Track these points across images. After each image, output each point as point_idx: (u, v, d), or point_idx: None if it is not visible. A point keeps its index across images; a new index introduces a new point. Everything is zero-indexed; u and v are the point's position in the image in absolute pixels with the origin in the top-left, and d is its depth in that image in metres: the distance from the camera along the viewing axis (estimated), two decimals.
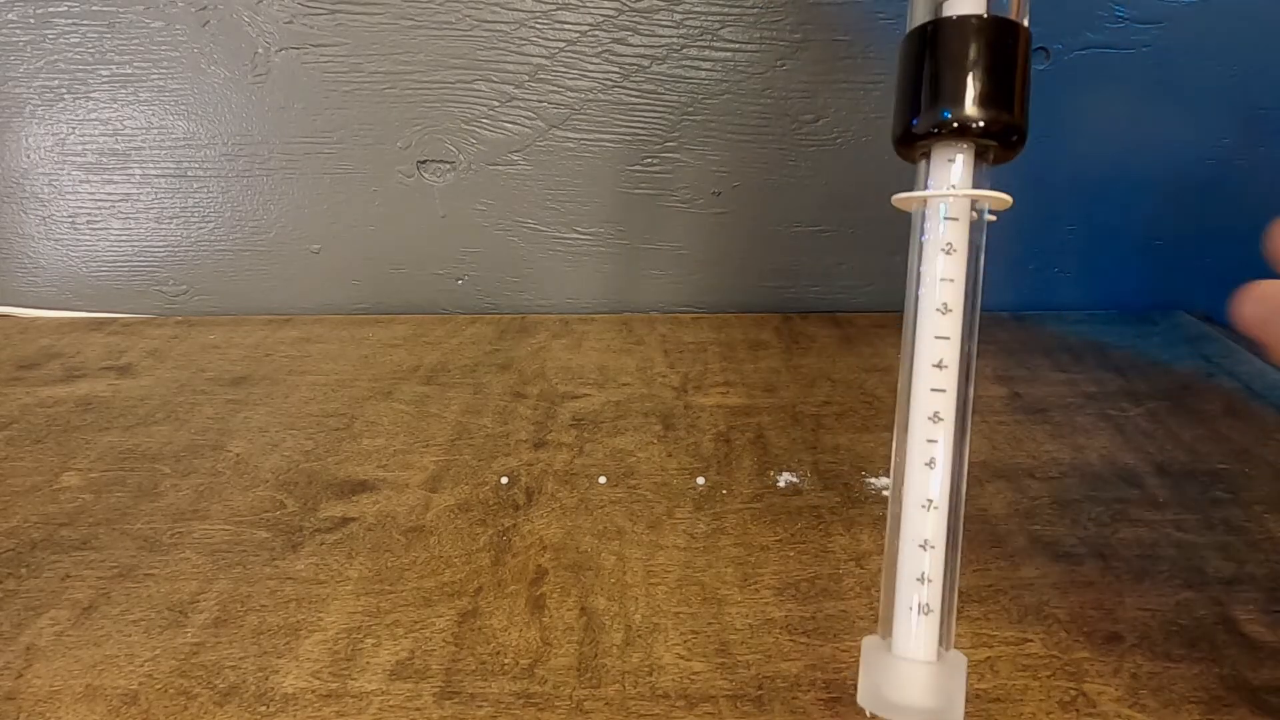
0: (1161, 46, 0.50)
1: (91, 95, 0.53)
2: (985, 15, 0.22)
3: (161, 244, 0.57)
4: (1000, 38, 0.22)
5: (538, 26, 0.51)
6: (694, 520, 0.35)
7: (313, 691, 0.26)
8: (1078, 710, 0.25)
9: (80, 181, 0.56)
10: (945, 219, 0.23)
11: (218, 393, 0.46)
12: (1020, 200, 0.63)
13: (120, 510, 0.36)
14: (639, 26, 0.51)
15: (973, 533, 0.34)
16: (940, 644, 0.22)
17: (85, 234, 0.57)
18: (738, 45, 0.51)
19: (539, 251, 0.56)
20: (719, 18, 0.50)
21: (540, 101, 0.52)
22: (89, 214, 0.57)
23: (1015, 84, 0.22)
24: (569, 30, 0.51)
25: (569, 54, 0.51)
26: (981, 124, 0.22)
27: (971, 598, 0.30)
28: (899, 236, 0.62)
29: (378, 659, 0.28)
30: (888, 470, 0.38)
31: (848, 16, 0.50)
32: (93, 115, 0.54)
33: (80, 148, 0.55)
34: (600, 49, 0.51)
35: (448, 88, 0.52)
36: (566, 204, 0.55)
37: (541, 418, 0.43)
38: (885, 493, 0.36)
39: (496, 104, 0.53)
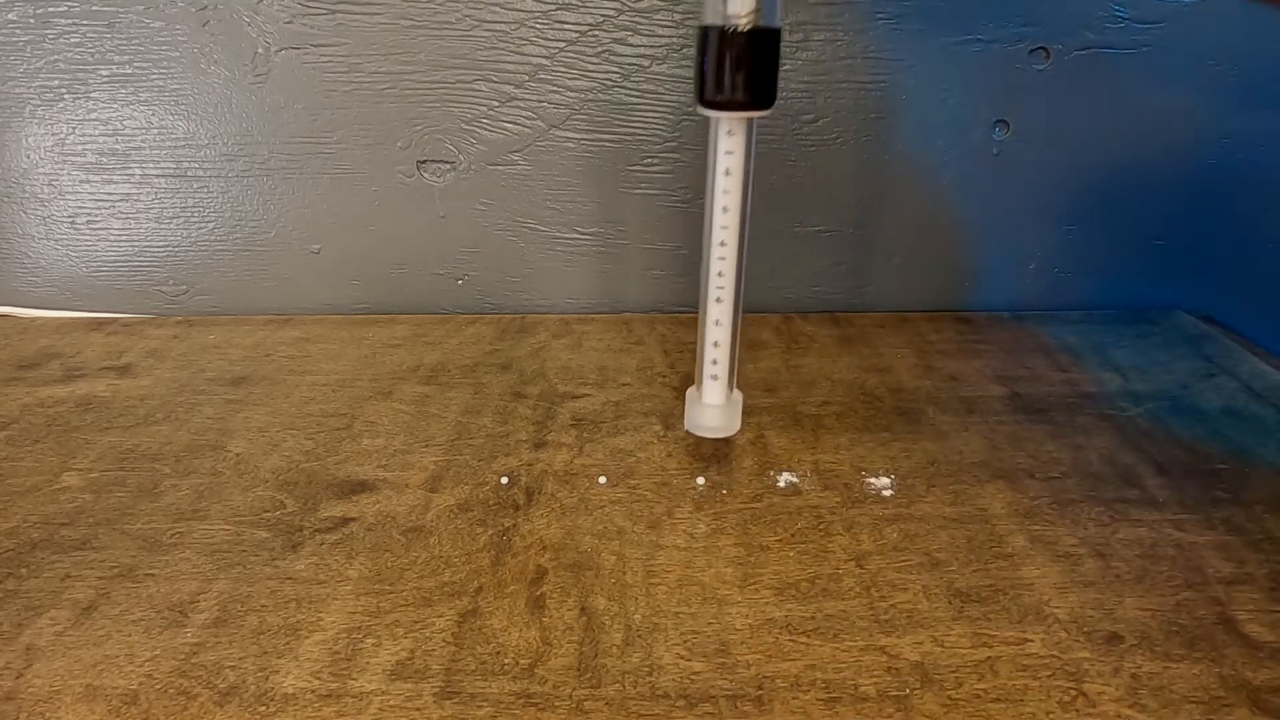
0: (1161, 46, 0.50)
1: (91, 95, 0.53)
2: (746, 27, 0.31)
3: (161, 244, 0.57)
4: (758, 42, 0.32)
5: (538, 26, 0.51)
6: (694, 520, 0.35)
7: (313, 691, 0.26)
8: (1078, 710, 0.25)
9: (80, 181, 0.56)
10: (725, 153, 0.35)
11: (218, 393, 0.46)
12: (1020, 200, 0.63)
13: (120, 510, 0.36)
14: (639, 26, 0.51)
15: (973, 533, 0.34)
16: (729, 390, 0.39)
17: (85, 234, 0.57)
18: None
19: (539, 251, 0.56)
20: None
21: (540, 101, 0.52)
22: (89, 214, 0.57)
23: (768, 74, 0.33)
24: (569, 30, 0.51)
25: (569, 54, 0.51)
26: (739, 102, 0.33)
27: (971, 598, 0.30)
28: (899, 237, 0.61)
29: (378, 659, 0.28)
30: (888, 470, 0.38)
31: (848, 16, 0.50)
32: (93, 115, 0.54)
33: (80, 148, 0.55)
34: (600, 49, 0.51)
35: (448, 88, 0.52)
36: (566, 204, 0.55)
37: (541, 418, 0.43)
38: (885, 493, 0.36)
39: (496, 104, 0.53)
